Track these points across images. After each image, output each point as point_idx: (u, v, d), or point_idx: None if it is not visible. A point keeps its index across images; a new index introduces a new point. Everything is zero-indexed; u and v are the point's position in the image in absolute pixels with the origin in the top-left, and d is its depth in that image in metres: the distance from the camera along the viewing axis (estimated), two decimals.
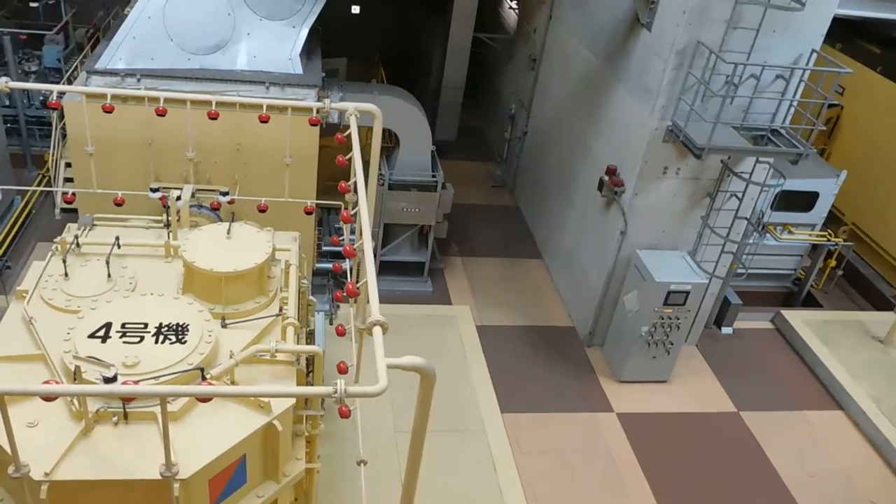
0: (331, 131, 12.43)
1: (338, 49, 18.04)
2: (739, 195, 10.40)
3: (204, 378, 5.70)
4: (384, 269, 12.64)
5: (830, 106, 15.55)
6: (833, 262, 13.55)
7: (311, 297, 8.87)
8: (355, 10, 21.38)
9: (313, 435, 6.99)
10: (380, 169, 11.85)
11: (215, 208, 9.41)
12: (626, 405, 10.87)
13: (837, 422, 11.13)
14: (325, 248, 12.23)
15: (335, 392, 4.90)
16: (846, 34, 15.67)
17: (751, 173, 10.13)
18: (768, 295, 13.74)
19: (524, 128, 15.40)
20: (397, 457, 9.28)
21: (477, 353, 11.16)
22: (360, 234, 6.70)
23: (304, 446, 6.81)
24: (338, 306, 11.65)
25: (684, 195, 10.48)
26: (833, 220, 15.27)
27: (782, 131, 9.79)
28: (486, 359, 11.14)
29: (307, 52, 10.39)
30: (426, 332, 11.46)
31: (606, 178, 10.75)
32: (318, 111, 8.85)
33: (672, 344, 10.83)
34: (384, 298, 13.19)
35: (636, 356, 10.93)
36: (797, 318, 12.80)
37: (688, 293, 10.35)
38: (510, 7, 16.93)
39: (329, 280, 12.01)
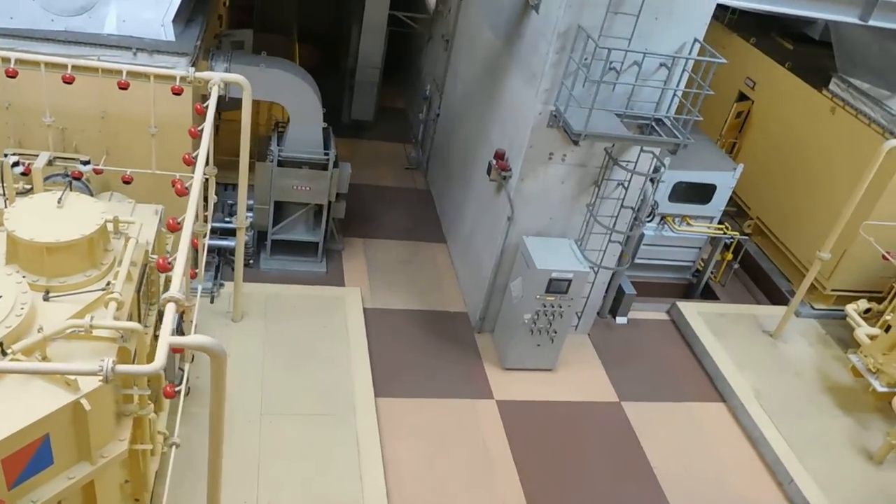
0: (236, 105, 12.05)
1: (263, 22, 17.56)
2: (626, 184, 10.33)
3: (4, 353, 5.41)
4: (277, 248, 12.33)
5: (742, 100, 15.72)
6: (730, 256, 13.65)
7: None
8: None
9: (142, 416, 6.71)
10: (269, 144, 11.56)
11: (76, 177, 8.98)
12: (507, 392, 10.77)
13: (718, 414, 11.20)
14: (214, 225, 11.82)
15: (100, 370, 4.64)
16: (763, 29, 15.78)
17: (635, 162, 10.05)
18: (669, 286, 13.79)
19: (437, 109, 15.16)
20: (258, 440, 9.03)
21: (360, 336, 10.93)
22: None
23: (129, 426, 6.52)
24: (221, 284, 11.31)
25: (571, 182, 10.37)
26: (741, 214, 15.43)
27: (666, 120, 9.71)
28: (370, 342, 10.93)
29: (187, 20, 9.97)
30: (311, 313, 11.19)
31: (494, 162, 10.58)
32: (181, 80, 8.49)
33: (556, 332, 10.76)
34: (274, 278, 12.93)
35: (521, 344, 10.84)
36: (691, 310, 12.86)
37: (570, 281, 10.27)
38: None
39: (216, 258, 11.65)
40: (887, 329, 10.96)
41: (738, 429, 10.93)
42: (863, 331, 11.42)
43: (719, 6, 13.56)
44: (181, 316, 8.30)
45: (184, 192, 6.56)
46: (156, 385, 7.58)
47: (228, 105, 11.06)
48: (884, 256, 11.31)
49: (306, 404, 9.70)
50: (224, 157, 10.24)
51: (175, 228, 6.14)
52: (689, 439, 10.62)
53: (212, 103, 7.85)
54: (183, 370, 8.58)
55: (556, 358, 11.14)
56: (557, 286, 10.27)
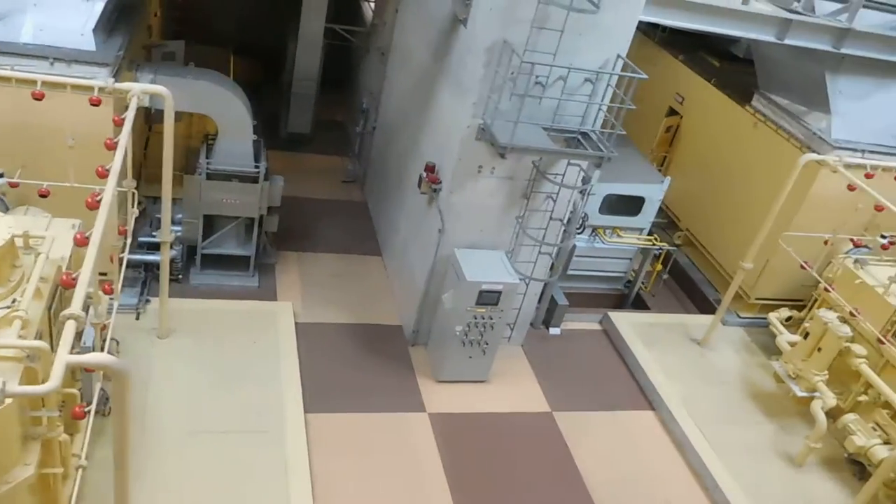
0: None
1: (198, 33, 17.31)
2: (554, 197, 10.48)
3: None
4: (208, 262, 12.09)
5: (672, 114, 16.15)
6: (659, 266, 13.96)
7: (91, 290, 8.27)
8: None
9: (51, 438, 6.47)
10: (198, 157, 11.38)
11: None
12: (440, 405, 10.77)
13: (648, 422, 11.39)
14: (141, 239, 11.56)
15: None
16: (692, 47, 16.25)
17: (563, 175, 10.21)
18: (601, 296, 14.01)
19: (374, 122, 15.16)
20: (181, 460, 8.81)
21: (291, 351, 10.79)
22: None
23: (37, 450, 6.29)
24: (148, 300, 11.06)
25: (501, 195, 10.47)
26: (672, 226, 15.81)
27: (592, 134, 9.89)
28: (302, 357, 10.80)
29: (110, 30, 9.76)
30: (241, 328, 11.00)
31: (425, 175, 10.62)
32: (99, 90, 8.30)
33: (487, 344, 10.81)
34: (205, 293, 12.67)
35: (453, 356, 10.86)
36: (622, 320, 13.09)
37: (500, 293, 10.34)
38: (366, 1, 16.66)
39: (143, 273, 11.38)
40: (806, 336, 11.34)
41: (666, 436, 11.14)
42: (784, 338, 11.79)
43: (649, 24, 14.03)
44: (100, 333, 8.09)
45: (95, 206, 6.39)
46: (70, 405, 7.33)
47: (160, 117, 10.89)
48: (802, 266, 11.72)
49: (233, 422, 9.51)
50: (156, 170, 10.03)
51: (83, 243, 5.96)
52: (619, 447, 10.78)
53: (129, 114, 7.69)
54: (105, 389, 8.33)
55: (488, 369, 11.19)
56: (488, 298, 10.33)
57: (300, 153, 16.83)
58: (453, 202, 10.38)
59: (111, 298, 8.47)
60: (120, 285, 8.05)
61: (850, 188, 10.88)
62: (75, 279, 5.52)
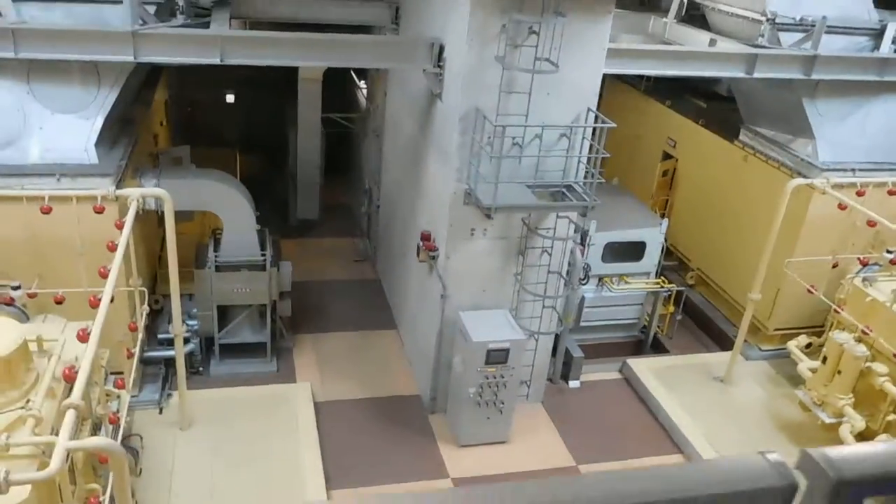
0: (184, 217, 12.42)
1: (206, 137, 18.31)
2: (549, 250, 10.71)
3: None
4: (226, 352, 12.44)
5: (666, 158, 16.44)
6: (672, 308, 13.96)
7: (108, 388, 8.64)
8: (230, 98, 21.84)
9: None
10: (206, 252, 11.90)
11: (7, 303, 9.22)
12: (463, 469, 10.77)
13: None
14: (161, 336, 12.00)
15: None
16: (677, 92, 16.67)
17: (554, 228, 10.47)
18: (619, 345, 14.00)
19: (377, 201, 15.68)
20: None
21: (311, 430, 10.95)
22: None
23: None
24: (170, 395, 11.39)
25: (497, 254, 10.74)
26: (683, 267, 15.86)
27: (575, 186, 10.19)
28: (322, 435, 10.95)
29: (112, 142, 10.47)
30: (260, 413, 11.23)
31: (422, 243, 10.97)
32: (102, 198, 8.88)
33: (503, 403, 10.87)
34: (225, 382, 12.97)
35: (470, 419, 10.92)
36: (641, 366, 13.04)
37: (508, 350, 10.47)
38: (359, 87, 17.49)
39: (162, 368, 11.75)
40: (824, 360, 11.20)
41: None
42: (805, 365, 11.65)
43: (634, 76, 14.52)
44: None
45: (96, 304, 6.80)
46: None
47: (177, 217, 11.53)
48: (808, 290, 11.68)
49: (256, 502, 9.63)
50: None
51: (83, 339, 6.34)
52: None
53: (129, 218, 8.20)
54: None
55: (508, 429, 11.20)
56: (496, 357, 10.46)
57: (311, 238, 17.39)
58: (451, 267, 10.67)
59: (130, 394, 8.84)
60: (132, 379, 8.39)
61: (841, 207, 10.95)
62: (77, 372, 5.86)
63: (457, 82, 9.64)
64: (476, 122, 9.61)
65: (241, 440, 10.67)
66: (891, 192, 11.43)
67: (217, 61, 9.49)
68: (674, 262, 15.82)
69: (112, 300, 6.89)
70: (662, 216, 14.90)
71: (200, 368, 12.21)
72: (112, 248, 7.81)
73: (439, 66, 10.22)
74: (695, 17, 14.54)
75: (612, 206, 13.50)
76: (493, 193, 9.31)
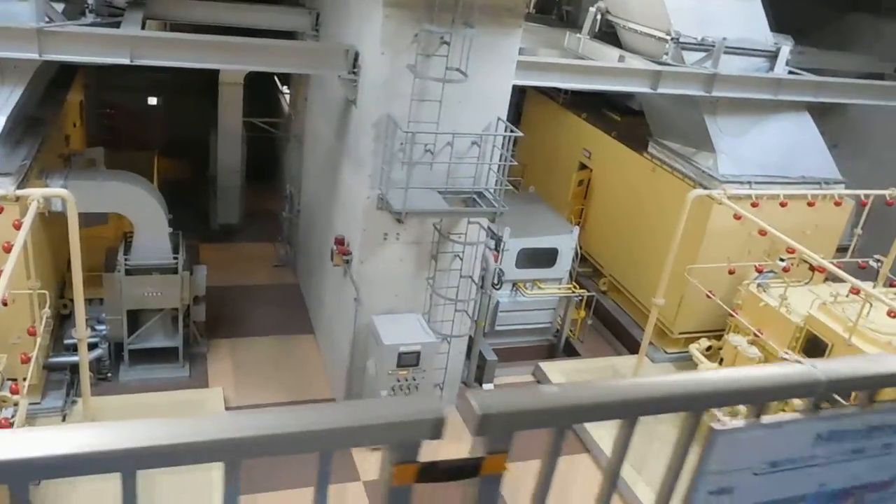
0: (98, 220, 12.15)
1: (126, 140, 17.95)
2: (460, 255, 10.97)
3: None
4: (136, 358, 12.23)
5: (582, 169, 16.98)
6: (583, 313, 14.43)
7: (3, 393, 8.42)
8: (152, 101, 21.44)
9: None
10: (116, 255, 11.69)
11: None
12: (375, 472, 10.86)
13: (584, 465, 11.61)
14: (67, 342, 11.70)
15: None
16: (594, 106, 17.27)
17: (465, 234, 10.73)
18: (533, 349, 14.36)
19: (297, 206, 15.68)
20: None
21: None
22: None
23: None
24: (74, 401, 11.12)
25: (409, 259, 10.93)
26: (597, 273, 16.39)
27: (486, 192, 10.49)
28: None
29: (15, 142, 10.21)
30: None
31: (335, 247, 11.07)
32: (0, 198, 8.67)
33: None
34: (135, 388, 12.70)
35: None
36: (553, 369, 13.43)
37: (419, 353, 10.65)
38: (282, 93, 17.48)
39: (67, 375, 11.46)
40: (721, 362, 11.80)
41: (599, 476, 11.31)
42: (704, 367, 12.23)
43: (553, 88, 14.97)
44: None
45: None
46: None
47: (91, 220, 11.29)
48: (707, 295, 12.29)
49: None
50: (87, 272, 10.30)
51: None
52: (555, 491, 10.90)
53: (27, 218, 8.04)
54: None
55: None
56: (407, 359, 10.63)
57: (232, 243, 17.23)
58: (364, 271, 10.80)
59: (27, 399, 8.63)
60: (29, 385, 8.20)
61: (737, 217, 11.58)
62: None
63: (370, 89, 9.81)
64: (388, 129, 9.79)
65: None
66: (782, 204, 12.15)
67: (127, 61, 9.40)
68: (588, 268, 16.35)
69: (5, 303, 6.75)
70: (578, 224, 15.41)
71: (109, 374, 11.96)
72: (7, 248, 7.65)
73: (354, 73, 10.37)
74: (610, 34, 15.13)
75: (527, 213, 13.95)
76: (404, 198, 9.50)
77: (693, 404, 1.89)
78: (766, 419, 1.90)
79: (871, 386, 1.95)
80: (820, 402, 1.92)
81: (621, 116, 16.79)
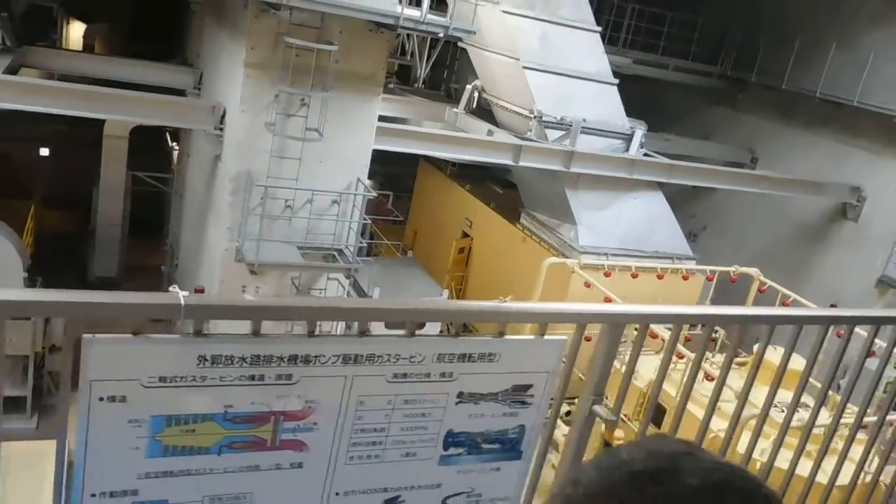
0: None
1: (7, 188, 17.56)
2: None
3: None
4: None
5: (465, 237, 17.61)
6: None
7: None
8: (44, 152, 21.15)
9: None
10: None
11: None
12: None
13: None
14: None
15: None
16: (479, 178, 18.07)
17: (324, 290, 10.97)
18: None
19: (176, 260, 15.61)
20: None
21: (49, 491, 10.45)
22: None
23: None
24: None
25: None
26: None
27: (345, 249, 10.81)
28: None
29: None
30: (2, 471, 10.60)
31: None
32: None
33: None
34: None
35: None
36: None
37: None
38: (172, 149, 17.62)
39: None
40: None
41: None
42: (559, 432, 12.60)
43: (442, 160, 15.60)
44: None
45: None
46: None
47: None
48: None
49: None
50: None
51: None
52: None
53: None
54: None
55: None
56: None
57: None
58: (222, 326, 10.81)
59: None
60: None
61: (586, 285, 12.25)
62: None
63: (232, 145, 10.12)
64: (246, 183, 10.07)
65: None
66: (633, 276, 12.92)
67: None
68: (469, 333, 16.70)
69: None
70: (457, 290, 15.86)
71: None
72: None
73: (220, 129, 10.68)
74: (488, 111, 16.04)
75: (399, 275, 14.31)
76: (256, 250, 9.71)
77: None
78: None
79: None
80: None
81: (503, 189, 17.59)
